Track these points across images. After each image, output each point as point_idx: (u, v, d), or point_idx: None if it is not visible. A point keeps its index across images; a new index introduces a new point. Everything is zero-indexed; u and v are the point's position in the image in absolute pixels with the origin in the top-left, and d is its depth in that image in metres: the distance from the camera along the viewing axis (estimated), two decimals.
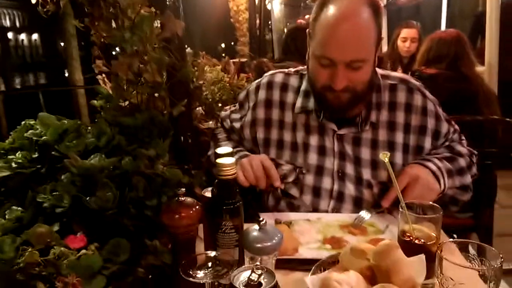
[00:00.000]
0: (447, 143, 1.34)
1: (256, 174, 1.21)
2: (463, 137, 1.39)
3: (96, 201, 0.83)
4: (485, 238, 2.17)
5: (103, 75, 1.28)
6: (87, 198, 0.84)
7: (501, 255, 0.69)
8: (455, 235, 2.20)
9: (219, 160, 0.80)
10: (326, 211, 1.30)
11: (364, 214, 1.18)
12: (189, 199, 0.77)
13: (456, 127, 1.38)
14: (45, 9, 1.12)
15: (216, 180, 0.81)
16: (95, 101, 1.47)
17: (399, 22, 3.90)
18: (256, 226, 0.78)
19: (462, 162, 1.29)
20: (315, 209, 1.30)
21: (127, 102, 1.21)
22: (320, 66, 1.18)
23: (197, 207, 0.75)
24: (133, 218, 0.88)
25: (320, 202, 1.31)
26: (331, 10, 1.14)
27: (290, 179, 1.32)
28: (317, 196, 1.31)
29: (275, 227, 0.85)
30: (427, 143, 1.29)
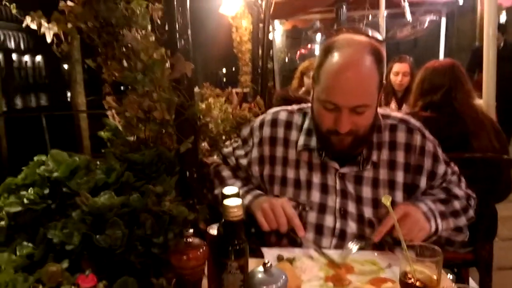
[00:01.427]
0: (444, 185, 1.36)
1: (278, 221, 1.23)
2: (462, 179, 1.40)
3: (106, 239, 0.86)
4: (485, 272, 2.17)
5: (113, 110, 1.32)
6: (97, 236, 0.86)
7: None
8: (455, 269, 2.20)
9: (226, 202, 0.83)
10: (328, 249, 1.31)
11: (351, 246, 1.21)
12: (196, 240, 0.79)
13: (455, 169, 1.40)
14: (59, 49, 1.17)
15: (223, 221, 0.84)
16: (102, 133, 1.52)
17: (397, 55, 4.00)
18: (261, 268, 0.80)
19: (457, 205, 1.31)
20: (317, 246, 1.32)
21: (134, 137, 1.25)
22: (324, 110, 1.23)
23: (204, 248, 0.78)
24: (140, 256, 0.90)
25: (322, 240, 1.33)
26: (335, 57, 1.19)
27: None
28: (319, 233, 1.33)
29: (279, 267, 0.87)
30: (422, 182, 1.31)
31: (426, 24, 5.57)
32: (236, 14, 4.53)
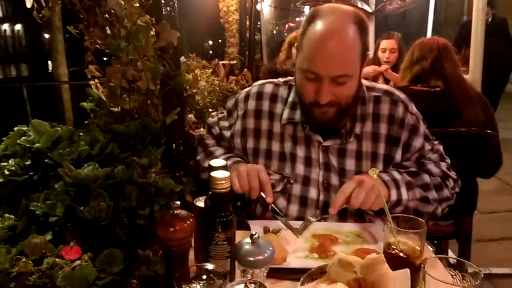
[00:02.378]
0: (421, 160, 1.35)
1: (251, 184, 1.23)
2: (446, 161, 1.39)
3: (90, 211, 0.84)
4: (465, 244, 2.25)
5: (96, 80, 1.28)
6: (81, 208, 0.85)
7: (482, 273, 0.73)
8: (435, 241, 2.27)
9: (213, 174, 0.82)
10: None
11: (310, 219, 1.23)
12: (183, 212, 0.79)
13: (438, 148, 1.39)
14: (40, 15, 1.11)
15: (210, 193, 0.83)
16: (85, 104, 1.47)
17: (385, 29, 3.97)
18: (248, 239, 0.80)
19: (427, 179, 1.30)
20: (301, 218, 1.33)
21: (119, 108, 1.22)
22: (306, 80, 1.21)
23: (191, 220, 0.77)
24: (125, 228, 0.89)
25: (306, 212, 1.34)
26: (318, 25, 1.17)
27: (278, 188, 1.35)
28: (304, 206, 1.34)
29: (266, 239, 0.87)
30: (398, 154, 1.31)
31: None
32: None
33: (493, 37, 2.92)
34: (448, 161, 1.41)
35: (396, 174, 1.28)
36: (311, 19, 1.20)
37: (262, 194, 1.24)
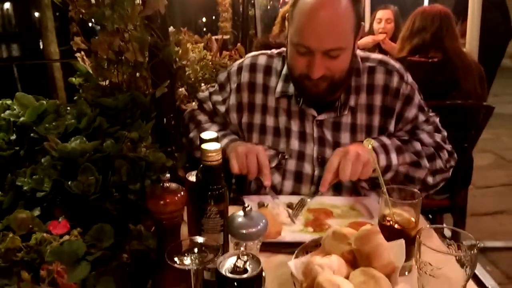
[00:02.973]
0: (415, 130, 1.32)
1: (249, 167, 1.20)
2: (442, 133, 1.36)
3: (78, 186, 0.82)
4: (460, 218, 2.26)
5: (82, 52, 1.23)
6: (69, 183, 0.82)
7: (477, 243, 0.72)
8: (430, 216, 2.28)
9: (204, 146, 0.79)
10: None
11: (304, 199, 1.20)
12: (174, 185, 0.76)
13: (434, 119, 1.36)
14: None
15: (201, 166, 0.81)
16: (73, 79, 1.43)
17: (380, 2, 3.90)
18: (241, 212, 0.79)
19: (418, 146, 1.27)
20: (296, 194, 1.32)
21: (107, 82, 1.18)
22: (297, 54, 1.17)
23: (182, 193, 0.75)
24: (116, 203, 0.87)
25: (301, 187, 1.32)
26: None
27: (273, 164, 1.33)
28: (298, 181, 1.33)
29: (259, 212, 0.86)
30: (391, 125, 1.28)
31: None
32: None
33: (490, 10, 2.86)
34: (444, 133, 1.39)
35: (385, 139, 1.25)
36: None
37: (260, 177, 1.22)
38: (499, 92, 4.70)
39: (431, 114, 1.38)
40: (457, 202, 2.18)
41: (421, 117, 1.33)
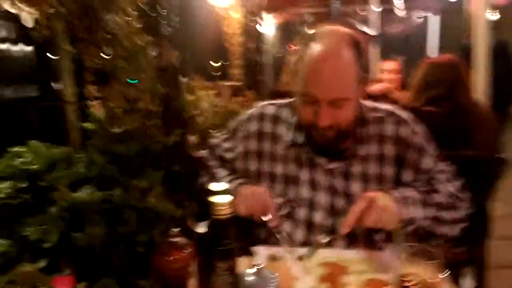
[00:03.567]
0: (431, 181, 1.28)
1: (254, 207, 1.18)
2: (455, 182, 1.31)
3: (85, 238, 0.80)
4: (480, 271, 2.15)
5: (95, 100, 1.25)
6: (75, 234, 0.80)
7: None
8: (448, 270, 2.18)
9: (214, 199, 0.78)
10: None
11: (318, 241, 1.14)
12: (181, 240, 0.74)
13: (447, 168, 1.34)
14: (40, 35, 1.10)
15: (211, 219, 0.78)
16: (86, 124, 1.45)
17: (389, 51, 4.00)
18: (252, 269, 0.75)
19: (437, 198, 1.23)
20: (308, 243, 1.27)
21: (119, 129, 1.19)
22: (304, 104, 1.19)
23: (189, 248, 0.72)
24: (123, 255, 0.85)
25: (313, 237, 1.28)
26: (313, 48, 1.15)
27: (283, 212, 1.30)
28: (310, 230, 1.29)
29: (271, 267, 0.82)
30: (405, 176, 1.24)
31: (417, 21, 5.55)
32: (228, 6, 4.45)
33: (495, 60, 2.90)
34: (459, 182, 1.36)
35: (406, 192, 1.23)
36: (307, 42, 1.18)
37: (266, 218, 1.19)
38: (507, 140, 4.65)
39: (445, 163, 1.36)
40: (476, 255, 2.09)
41: (437, 167, 1.31)
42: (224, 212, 0.76)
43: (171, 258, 0.70)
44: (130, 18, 1.12)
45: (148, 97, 1.12)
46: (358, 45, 1.18)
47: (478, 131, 2.02)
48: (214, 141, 1.48)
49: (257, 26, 3.90)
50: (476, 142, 2.02)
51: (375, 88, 3.37)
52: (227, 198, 0.78)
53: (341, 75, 1.15)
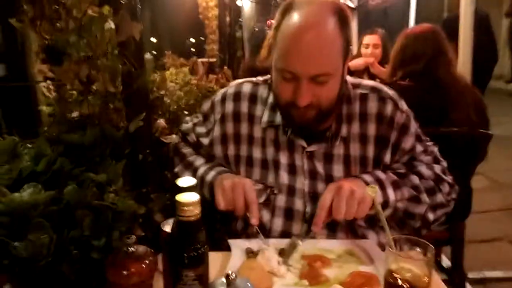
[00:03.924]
0: (412, 162, 1.23)
1: (236, 202, 1.09)
2: (442, 163, 1.27)
3: (27, 247, 0.68)
4: (458, 248, 2.15)
5: (48, 81, 1.11)
6: (15, 244, 0.68)
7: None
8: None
9: (180, 197, 0.66)
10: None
11: (296, 241, 1.08)
12: (140, 249, 0.63)
13: (432, 149, 1.27)
14: None
15: (176, 221, 0.67)
16: (44, 108, 1.29)
17: (367, 24, 3.88)
18: (223, 279, 0.65)
19: (416, 180, 1.18)
20: (287, 232, 1.19)
21: (72, 114, 1.05)
22: (282, 80, 1.07)
23: (150, 259, 0.61)
24: (75, 264, 0.73)
25: (292, 225, 1.20)
26: (293, 18, 1.03)
27: (261, 199, 1.20)
28: (289, 218, 1.20)
29: (247, 265, 0.73)
30: (387, 156, 1.19)
31: None
32: None
33: (476, 33, 2.84)
34: (444, 163, 1.29)
35: (380, 174, 1.15)
36: (285, 11, 1.06)
37: (247, 213, 1.10)
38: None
39: (429, 143, 1.28)
40: (456, 234, 2.07)
41: (419, 148, 1.23)
42: (192, 213, 0.65)
43: (128, 271, 0.59)
44: None
45: (105, 77, 0.98)
46: (341, 14, 1.05)
47: (455, 109, 1.95)
48: (186, 126, 1.35)
49: None
50: (453, 120, 1.96)
51: (355, 62, 3.27)
52: (195, 196, 0.67)
53: (325, 47, 1.03)
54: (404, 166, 1.22)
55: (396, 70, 2.11)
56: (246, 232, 1.21)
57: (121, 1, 0.95)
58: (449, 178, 1.26)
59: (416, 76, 2.03)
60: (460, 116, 1.96)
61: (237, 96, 1.26)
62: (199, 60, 2.92)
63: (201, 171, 1.24)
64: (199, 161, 1.29)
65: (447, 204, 1.24)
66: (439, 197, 1.21)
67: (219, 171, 1.23)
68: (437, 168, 1.25)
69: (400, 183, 1.15)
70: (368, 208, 1.06)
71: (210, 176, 1.21)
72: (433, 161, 1.27)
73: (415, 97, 1.93)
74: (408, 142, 1.20)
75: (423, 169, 1.22)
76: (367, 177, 1.13)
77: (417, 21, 5.86)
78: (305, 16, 1.02)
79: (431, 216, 1.19)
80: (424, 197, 1.17)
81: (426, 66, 2.00)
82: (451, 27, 3.16)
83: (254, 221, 1.09)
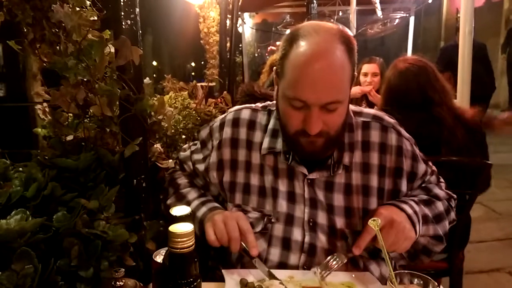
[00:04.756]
0: (423, 185, 1.25)
1: (230, 235, 1.05)
2: (441, 179, 1.31)
3: (11, 278, 0.64)
4: (457, 279, 2.10)
5: (44, 104, 1.09)
6: None
7: None
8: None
9: (173, 228, 0.64)
10: (296, 266, 1.15)
11: (333, 261, 1.03)
12: (129, 283, 0.60)
13: (434, 168, 1.30)
14: None
15: (169, 252, 0.64)
16: (39, 129, 1.28)
17: (365, 53, 3.93)
18: None
19: (440, 206, 1.21)
20: (283, 263, 1.15)
21: (65, 137, 1.03)
22: (291, 108, 1.06)
23: None
24: None
25: (289, 256, 1.16)
26: (302, 47, 1.02)
27: (258, 228, 1.17)
28: (286, 248, 1.17)
29: None
30: (404, 186, 1.18)
31: (396, 22, 5.54)
32: (203, 4, 4.30)
33: (473, 62, 2.88)
34: (443, 180, 1.32)
35: (415, 205, 1.14)
36: (292, 40, 1.05)
37: (244, 245, 1.06)
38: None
39: (429, 163, 1.29)
40: (455, 264, 2.02)
41: (428, 170, 1.26)
42: (185, 245, 0.62)
43: None
44: (82, 8, 0.96)
45: (103, 101, 0.97)
46: (348, 41, 1.05)
47: (448, 142, 1.94)
48: (183, 154, 1.33)
49: (234, 25, 3.76)
50: (449, 149, 1.94)
51: (352, 90, 3.28)
52: (189, 227, 0.64)
53: (336, 75, 1.02)
54: (422, 191, 1.23)
55: (388, 101, 2.13)
56: (241, 262, 1.17)
57: (123, 26, 0.94)
58: (451, 192, 1.29)
59: (409, 107, 2.04)
60: (454, 146, 1.96)
61: (235, 122, 1.24)
62: (199, 84, 2.93)
63: (192, 206, 1.22)
64: (192, 194, 1.27)
65: (456, 219, 1.27)
66: (452, 215, 1.24)
67: (210, 207, 1.20)
68: (443, 185, 1.29)
69: (429, 218, 1.15)
70: (408, 247, 1.05)
71: (200, 212, 1.17)
72: (437, 179, 1.28)
73: (412, 126, 1.93)
74: (421, 168, 1.21)
75: (437, 191, 1.24)
76: (407, 209, 1.10)
77: (414, 50, 5.99)
78: (315, 44, 1.02)
79: (443, 244, 1.21)
80: (445, 225, 1.19)
81: (417, 98, 2.02)
82: (448, 56, 3.19)
83: (254, 252, 1.05)
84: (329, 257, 1.06)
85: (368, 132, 1.19)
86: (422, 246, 1.16)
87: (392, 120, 1.23)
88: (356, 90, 3.26)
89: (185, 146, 1.37)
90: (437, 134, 1.95)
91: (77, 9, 0.91)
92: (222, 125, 1.25)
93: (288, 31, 1.13)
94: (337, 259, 1.05)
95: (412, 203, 1.15)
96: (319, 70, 1.00)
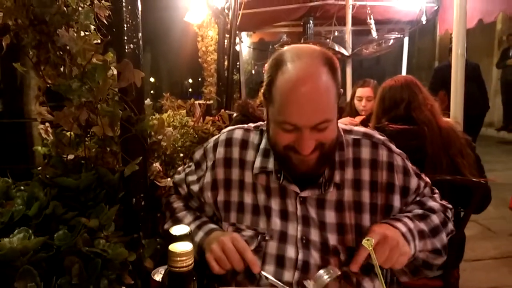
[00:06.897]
0: (418, 199, 1.26)
1: (231, 260, 1.07)
2: (435, 191, 1.31)
3: None
4: None
5: (47, 124, 1.12)
6: None
7: None
8: None
9: (173, 247, 0.66)
10: (290, 283, 1.16)
11: (322, 275, 1.01)
12: None
13: (427, 180, 1.31)
14: None
15: (168, 271, 0.66)
16: (39, 148, 1.30)
17: (360, 71, 3.98)
18: None
19: (436, 219, 1.21)
20: (278, 280, 1.16)
21: (67, 157, 1.05)
22: (283, 131, 1.09)
23: None
24: None
25: (284, 273, 1.17)
26: (288, 73, 1.06)
27: (252, 246, 1.18)
28: (280, 266, 1.18)
29: None
30: (396, 201, 1.20)
31: (390, 42, 5.66)
32: (202, 23, 4.39)
33: (467, 82, 2.94)
34: (437, 191, 1.32)
35: (409, 223, 1.15)
36: (277, 66, 1.09)
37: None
38: None
39: (422, 176, 1.31)
40: (451, 283, 2.03)
41: (421, 183, 1.27)
42: (184, 264, 0.64)
43: None
44: (86, 33, 1.00)
45: (104, 122, 0.99)
46: (331, 62, 1.09)
47: (435, 157, 2.00)
48: (178, 177, 1.35)
49: (232, 44, 3.82)
50: (431, 163, 2.00)
51: (343, 121, 3.31)
52: (188, 246, 0.66)
53: (322, 96, 1.06)
54: (416, 205, 1.24)
55: (380, 118, 2.20)
56: (235, 279, 1.18)
57: (125, 49, 0.98)
58: (446, 203, 1.29)
59: (399, 121, 2.12)
60: (435, 160, 2.01)
61: (228, 142, 1.27)
62: (197, 102, 2.97)
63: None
64: (188, 218, 1.28)
65: (454, 230, 1.27)
66: (450, 226, 1.24)
67: (206, 231, 1.21)
68: (437, 197, 1.29)
69: (425, 233, 1.16)
70: (405, 263, 1.07)
71: (198, 237, 1.19)
72: (431, 191, 1.29)
73: (404, 139, 1.99)
74: (413, 182, 1.22)
75: (432, 203, 1.25)
76: (402, 227, 1.12)
77: (408, 69, 6.09)
78: (300, 69, 1.05)
79: (443, 257, 1.21)
80: (443, 238, 1.19)
81: (405, 110, 2.11)
82: (442, 75, 3.26)
83: (255, 269, 1.07)
84: (321, 270, 1.07)
85: (358, 149, 1.22)
86: (422, 261, 1.17)
87: (382, 137, 1.26)
88: (345, 121, 3.25)
89: (180, 169, 1.40)
90: (424, 147, 2.02)
91: (82, 33, 0.94)
92: (215, 146, 1.27)
93: (276, 51, 1.17)
94: (331, 271, 1.06)
95: (406, 219, 1.16)
96: (306, 94, 1.04)
